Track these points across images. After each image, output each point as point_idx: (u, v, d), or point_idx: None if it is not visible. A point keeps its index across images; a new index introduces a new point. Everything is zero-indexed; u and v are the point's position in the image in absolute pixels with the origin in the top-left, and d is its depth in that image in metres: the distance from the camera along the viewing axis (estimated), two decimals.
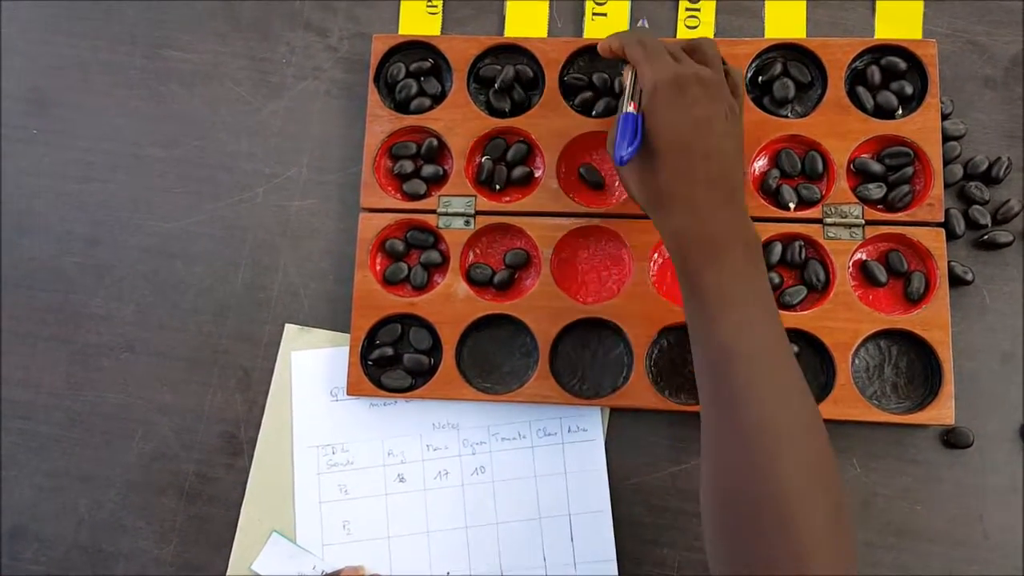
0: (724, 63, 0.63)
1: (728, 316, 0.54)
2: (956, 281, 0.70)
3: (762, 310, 0.55)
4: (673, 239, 0.58)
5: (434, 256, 0.74)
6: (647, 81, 0.58)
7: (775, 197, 0.72)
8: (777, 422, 0.52)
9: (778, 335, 0.55)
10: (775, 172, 0.72)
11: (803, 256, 0.71)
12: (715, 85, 0.58)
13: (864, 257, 0.71)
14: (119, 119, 0.80)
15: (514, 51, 0.76)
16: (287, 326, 0.75)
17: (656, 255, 0.72)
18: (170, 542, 0.72)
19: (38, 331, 0.77)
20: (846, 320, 0.69)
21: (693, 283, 0.56)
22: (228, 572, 0.71)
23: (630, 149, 0.57)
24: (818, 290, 0.70)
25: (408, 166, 0.75)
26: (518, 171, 0.74)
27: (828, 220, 0.70)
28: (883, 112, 0.72)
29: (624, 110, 0.59)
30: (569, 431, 0.71)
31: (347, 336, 0.73)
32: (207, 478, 0.73)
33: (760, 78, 0.74)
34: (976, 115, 0.74)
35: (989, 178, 0.72)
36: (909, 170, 0.71)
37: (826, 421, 0.67)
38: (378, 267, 0.74)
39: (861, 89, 0.73)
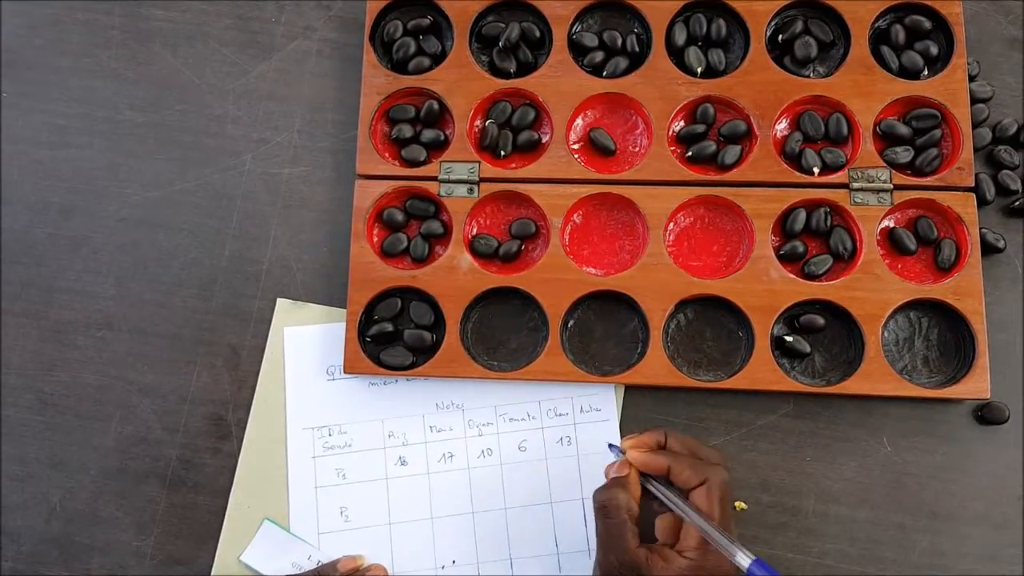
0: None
1: None
2: (988, 249, 0.67)
3: None
4: None
5: (435, 226, 0.70)
6: None
7: (798, 162, 0.68)
8: None
9: None
10: (797, 135, 0.69)
11: (828, 223, 0.67)
12: None
13: (892, 224, 0.68)
14: (96, 81, 0.75)
15: (519, 7, 0.72)
16: (279, 300, 0.70)
17: (672, 224, 0.69)
18: (150, 533, 0.67)
19: (7, 307, 0.72)
20: (874, 290, 0.66)
21: None
22: (215, 564, 0.66)
23: None
24: (844, 259, 0.67)
25: (407, 130, 0.71)
26: (524, 135, 0.70)
27: (855, 185, 0.67)
28: (908, 73, 0.69)
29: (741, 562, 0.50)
30: (581, 411, 0.68)
31: (343, 311, 0.69)
32: (192, 464, 0.68)
33: (780, 36, 0.70)
34: (1003, 77, 0.71)
35: (1018, 142, 0.70)
36: (937, 132, 0.68)
37: (855, 397, 0.65)
38: (375, 238, 0.70)
39: (885, 49, 0.69)
